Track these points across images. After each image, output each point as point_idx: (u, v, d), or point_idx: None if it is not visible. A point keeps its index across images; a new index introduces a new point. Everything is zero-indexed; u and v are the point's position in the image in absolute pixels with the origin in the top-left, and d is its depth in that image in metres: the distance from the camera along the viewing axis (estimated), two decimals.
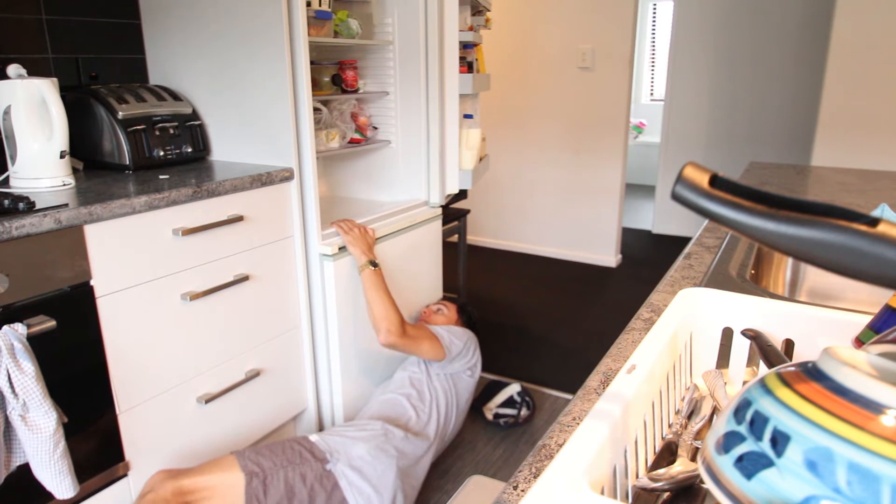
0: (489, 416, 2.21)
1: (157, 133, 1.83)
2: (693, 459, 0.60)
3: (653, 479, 0.53)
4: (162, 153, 1.83)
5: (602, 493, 0.47)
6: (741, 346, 0.72)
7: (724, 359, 0.73)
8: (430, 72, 2.22)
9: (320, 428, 2.08)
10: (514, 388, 2.26)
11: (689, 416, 0.66)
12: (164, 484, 1.43)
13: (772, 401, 0.39)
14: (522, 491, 0.49)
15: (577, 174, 3.94)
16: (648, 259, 4.19)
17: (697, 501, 0.53)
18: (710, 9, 4.26)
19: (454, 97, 2.26)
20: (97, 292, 1.40)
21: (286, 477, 1.51)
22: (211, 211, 1.63)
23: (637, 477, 0.54)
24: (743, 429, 0.39)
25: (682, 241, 4.51)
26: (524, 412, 2.21)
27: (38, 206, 1.32)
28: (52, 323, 1.29)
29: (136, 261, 1.47)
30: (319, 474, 1.55)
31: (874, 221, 0.37)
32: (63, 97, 1.54)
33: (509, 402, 2.23)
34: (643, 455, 0.57)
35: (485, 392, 2.31)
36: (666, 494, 0.54)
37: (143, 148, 1.78)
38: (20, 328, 1.21)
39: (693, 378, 0.74)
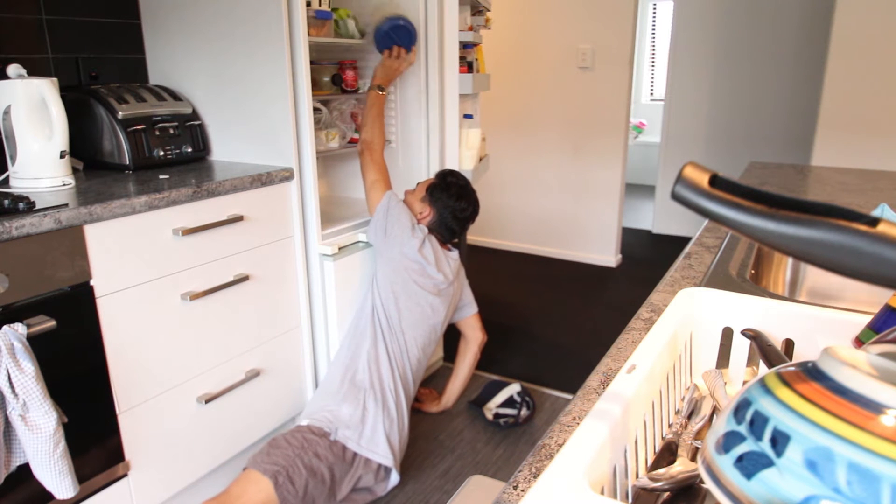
0: (489, 416, 2.21)
1: (157, 133, 1.83)
2: (693, 459, 0.60)
3: (653, 479, 0.53)
4: (162, 153, 1.83)
5: (602, 493, 0.47)
6: (741, 346, 0.72)
7: (724, 359, 0.73)
8: (430, 72, 2.22)
9: None
10: (514, 388, 2.26)
11: (689, 416, 0.66)
12: None
13: (772, 401, 0.39)
14: (522, 491, 0.49)
15: (577, 174, 3.94)
16: (648, 259, 4.19)
17: (697, 501, 0.53)
18: (710, 9, 4.26)
19: (454, 97, 2.25)
20: (97, 292, 1.40)
21: (304, 462, 1.60)
22: (211, 211, 1.63)
23: (637, 477, 0.54)
24: (743, 429, 0.39)
25: (682, 241, 4.51)
26: (524, 412, 2.20)
27: (38, 206, 1.32)
28: (52, 323, 1.29)
29: (136, 261, 1.47)
30: (328, 446, 1.68)
31: (874, 221, 0.37)
32: (63, 97, 1.54)
33: (509, 402, 2.23)
34: (643, 455, 0.57)
35: (485, 392, 2.30)
36: (666, 494, 0.54)
37: (143, 148, 1.78)
38: (20, 328, 1.21)
39: (693, 378, 0.74)
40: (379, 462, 1.74)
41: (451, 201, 2.01)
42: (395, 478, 1.80)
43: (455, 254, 2.09)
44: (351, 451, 1.71)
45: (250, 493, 1.51)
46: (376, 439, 1.74)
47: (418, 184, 2.09)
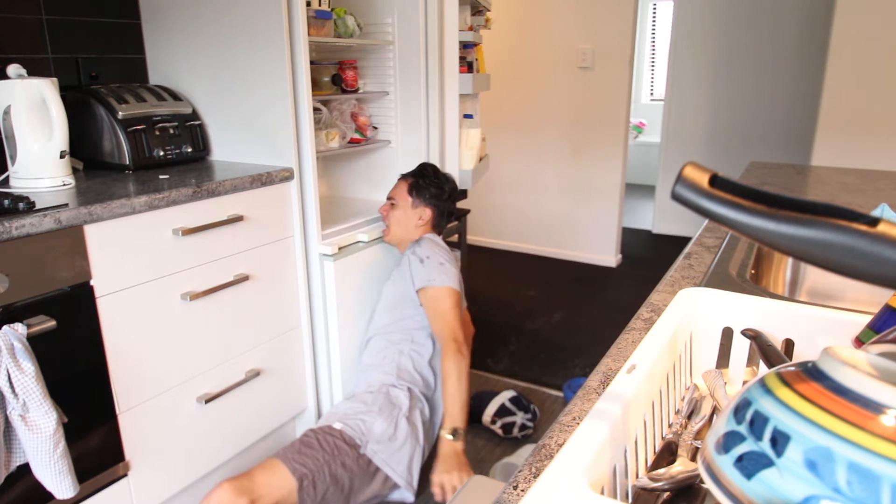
0: (496, 429, 2.14)
1: (157, 133, 1.82)
2: (693, 459, 0.60)
3: (653, 479, 0.53)
4: (162, 153, 1.83)
5: (602, 493, 0.47)
6: (741, 346, 0.72)
7: (724, 359, 0.73)
8: (430, 72, 2.22)
9: None
10: (505, 396, 2.19)
11: (689, 416, 0.66)
12: (240, 499, 1.48)
13: (772, 401, 0.39)
14: (522, 491, 0.49)
15: (577, 174, 3.94)
16: (648, 259, 4.19)
17: (697, 501, 0.53)
18: (710, 9, 4.26)
19: (454, 97, 2.25)
20: (97, 292, 1.40)
21: (330, 470, 1.62)
22: (211, 211, 1.63)
23: (637, 477, 0.54)
24: (743, 429, 0.39)
25: (682, 241, 4.51)
26: (524, 417, 2.14)
27: (38, 206, 1.31)
28: (52, 323, 1.29)
29: (136, 261, 1.47)
30: (356, 458, 1.69)
31: (874, 221, 0.37)
32: (63, 97, 1.54)
33: (503, 411, 2.17)
34: (643, 455, 0.56)
35: (473, 405, 2.19)
36: (666, 494, 0.54)
37: (143, 148, 1.78)
38: (20, 328, 1.21)
39: (693, 378, 0.74)
40: (395, 482, 1.76)
41: (440, 189, 2.01)
42: (409, 498, 1.81)
43: (458, 253, 2.10)
44: (375, 465, 1.72)
45: (273, 486, 1.53)
46: (399, 458, 1.76)
47: (392, 194, 2.05)
